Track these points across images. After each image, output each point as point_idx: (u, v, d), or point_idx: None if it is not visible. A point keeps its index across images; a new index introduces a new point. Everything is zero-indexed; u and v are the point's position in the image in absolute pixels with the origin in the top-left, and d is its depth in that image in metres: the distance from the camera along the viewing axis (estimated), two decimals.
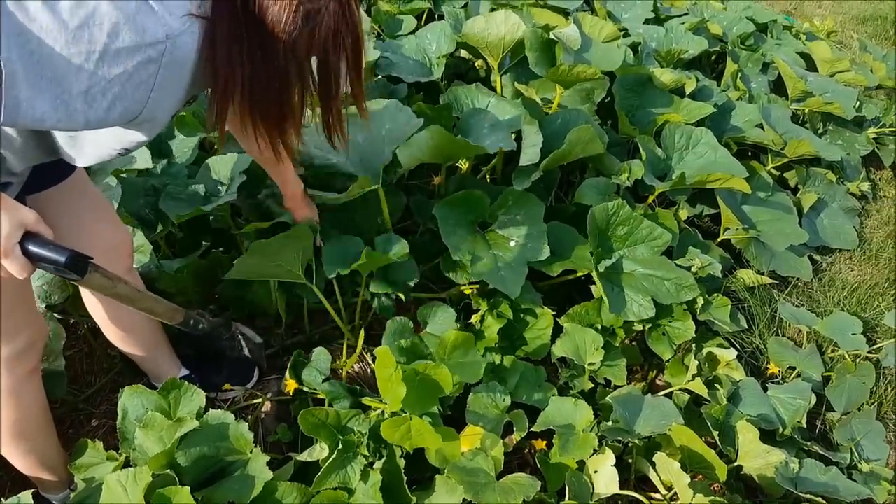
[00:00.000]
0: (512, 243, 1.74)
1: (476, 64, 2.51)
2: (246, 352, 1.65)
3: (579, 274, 1.81)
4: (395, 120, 1.75)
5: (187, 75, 0.84)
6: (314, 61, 0.93)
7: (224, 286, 1.65)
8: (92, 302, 1.37)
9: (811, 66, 3.24)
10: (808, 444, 1.70)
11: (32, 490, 1.21)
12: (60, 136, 0.96)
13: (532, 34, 1.99)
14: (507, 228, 1.77)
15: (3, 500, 1.26)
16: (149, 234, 1.54)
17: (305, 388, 1.50)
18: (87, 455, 1.37)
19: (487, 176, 2.10)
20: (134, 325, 1.44)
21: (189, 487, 1.13)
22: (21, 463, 1.29)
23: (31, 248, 0.85)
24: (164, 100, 0.84)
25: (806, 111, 2.87)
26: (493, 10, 2.49)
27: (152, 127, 0.90)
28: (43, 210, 1.09)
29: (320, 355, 1.55)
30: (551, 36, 1.98)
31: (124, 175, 1.60)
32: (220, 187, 1.65)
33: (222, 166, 1.67)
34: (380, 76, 2.21)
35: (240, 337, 1.64)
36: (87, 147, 0.96)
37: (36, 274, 1.50)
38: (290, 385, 1.50)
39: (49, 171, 1.10)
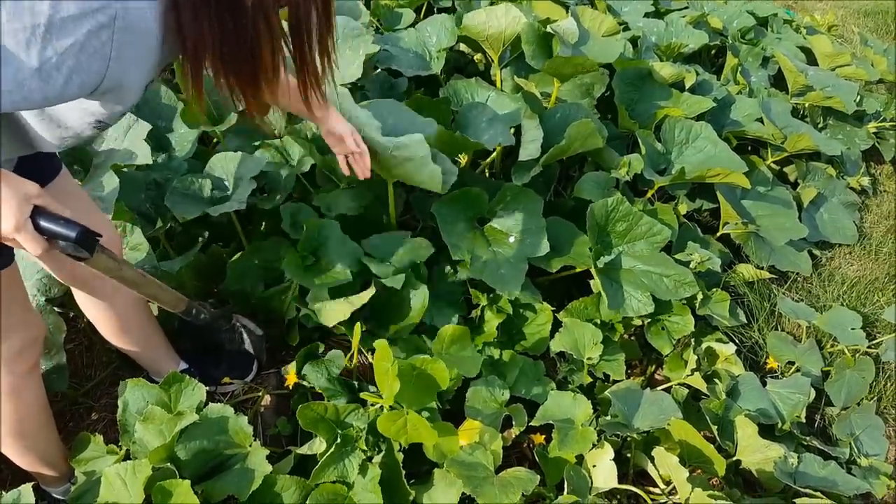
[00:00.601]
0: (511, 239, 1.74)
1: (475, 58, 2.50)
2: (247, 345, 1.65)
3: (578, 270, 1.81)
4: (400, 117, 1.72)
5: (151, 40, 0.80)
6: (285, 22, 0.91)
7: (226, 282, 1.65)
8: (82, 298, 1.36)
9: (812, 60, 3.23)
10: (807, 438, 1.70)
11: (33, 483, 1.21)
12: (32, 120, 0.93)
13: (528, 27, 1.98)
14: (506, 224, 1.77)
15: (3, 493, 1.26)
16: (149, 229, 1.54)
17: (305, 383, 1.50)
18: (87, 448, 1.37)
19: (486, 170, 2.10)
20: (129, 322, 1.44)
21: (189, 481, 1.13)
22: (21, 460, 1.29)
23: (42, 222, 0.83)
24: (129, 67, 0.80)
25: (806, 105, 2.86)
26: (492, 3, 2.49)
27: (122, 96, 0.86)
28: None
29: (336, 358, 1.54)
30: (548, 29, 1.97)
31: (125, 170, 1.60)
32: (225, 182, 1.64)
33: (227, 163, 1.67)
34: (379, 69, 2.20)
35: (241, 329, 1.64)
36: (61, 126, 0.93)
37: (35, 267, 1.49)
38: (291, 378, 1.50)
39: (33, 173, 1.08)
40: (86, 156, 1.65)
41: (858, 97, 2.95)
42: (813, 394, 1.77)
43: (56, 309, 1.53)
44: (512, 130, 1.86)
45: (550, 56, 1.96)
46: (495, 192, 1.79)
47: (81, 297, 1.37)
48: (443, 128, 1.69)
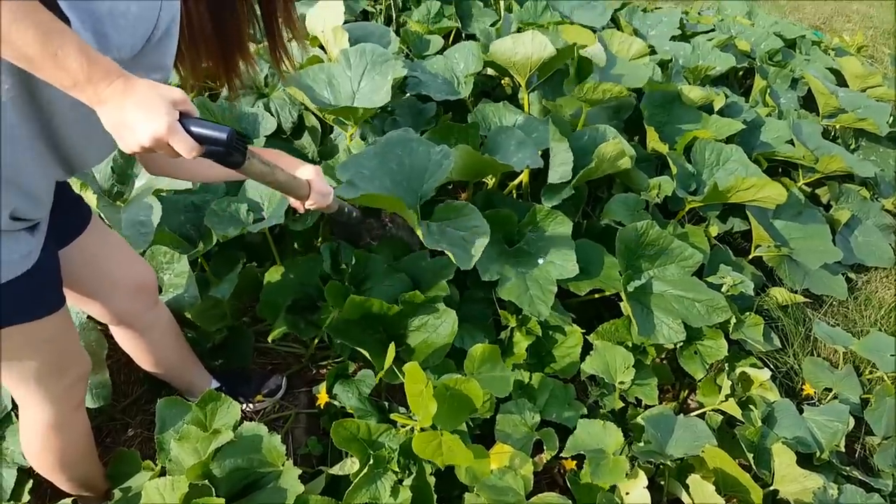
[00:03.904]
0: (540, 261, 1.74)
1: (503, 82, 2.53)
2: (395, 230, 1.69)
3: (608, 293, 1.80)
4: (414, 154, 1.67)
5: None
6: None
7: (263, 293, 1.67)
8: (120, 334, 1.40)
9: (841, 81, 3.20)
10: (848, 468, 1.65)
11: (72, 499, 1.24)
12: (73, 130, 0.92)
13: (564, 51, 2.00)
14: (536, 246, 1.77)
15: None
16: (189, 250, 1.58)
17: (336, 402, 1.51)
18: (124, 465, 1.40)
19: (514, 192, 2.11)
20: (166, 350, 1.46)
21: (224, 500, 1.14)
22: (63, 486, 1.31)
23: (193, 127, 0.81)
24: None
25: (837, 127, 2.82)
26: (519, 29, 2.52)
27: (164, 52, 0.92)
28: (74, 259, 1.13)
29: (367, 377, 1.56)
30: (583, 54, 2.00)
31: (164, 194, 1.65)
32: (260, 204, 1.69)
33: (261, 187, 1.71)
34: (408, 94, 2.24)
35: (390, 224, 1.64)
36: (99, 133, 0.90)
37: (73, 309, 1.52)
38: (322, 397, 1.52)
39: (72, 216, 1.14)
40: (128, 180, 1.71)
41: (891, 118, 2.91)
42: (852, 422, 1.72)
43: (98, 326, 1.57)
44: (539, 153, 1.87)
45: (582, 80, 1.98)
46: (524, 214, 1.80)
47: (119, 334, 1.40)
48: (471, 149, 1.71)
